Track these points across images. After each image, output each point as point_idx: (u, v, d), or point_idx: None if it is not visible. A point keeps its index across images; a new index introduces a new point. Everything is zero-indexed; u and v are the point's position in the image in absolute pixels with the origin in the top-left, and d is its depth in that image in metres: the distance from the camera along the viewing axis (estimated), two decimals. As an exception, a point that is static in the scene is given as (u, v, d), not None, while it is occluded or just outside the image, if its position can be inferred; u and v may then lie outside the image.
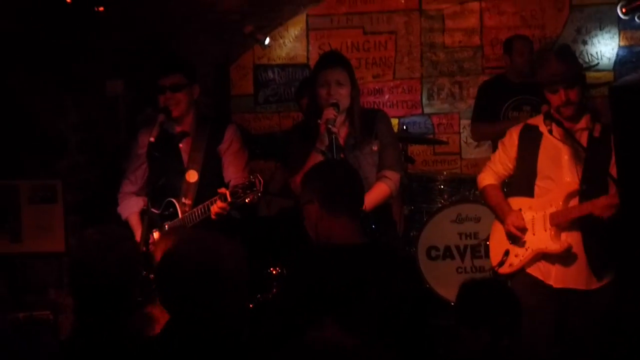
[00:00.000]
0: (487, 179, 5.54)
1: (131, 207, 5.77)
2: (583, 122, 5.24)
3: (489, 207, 5.57)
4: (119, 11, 5.75)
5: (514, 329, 4.06)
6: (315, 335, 2.75)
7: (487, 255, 7.18)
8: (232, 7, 7.57)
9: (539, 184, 5.26)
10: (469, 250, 7.51)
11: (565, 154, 5.19)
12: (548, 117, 5.12)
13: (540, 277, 5.22)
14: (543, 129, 5.27)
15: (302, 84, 7.62)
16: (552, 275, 5.18)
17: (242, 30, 8.37)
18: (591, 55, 8.73)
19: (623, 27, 8.70)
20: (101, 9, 5.44)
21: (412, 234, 7.79)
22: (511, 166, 5.45)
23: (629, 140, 3.46)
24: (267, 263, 6.49)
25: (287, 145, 5.71)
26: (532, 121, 5.47)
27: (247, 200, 5.02)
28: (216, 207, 5.14)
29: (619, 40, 8.73)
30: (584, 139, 5.18)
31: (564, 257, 5.14)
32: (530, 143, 5.33)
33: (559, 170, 5.20)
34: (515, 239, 5.26)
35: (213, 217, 5.19)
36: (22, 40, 6.19)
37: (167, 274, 3.31)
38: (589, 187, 5.09)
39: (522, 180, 5.38)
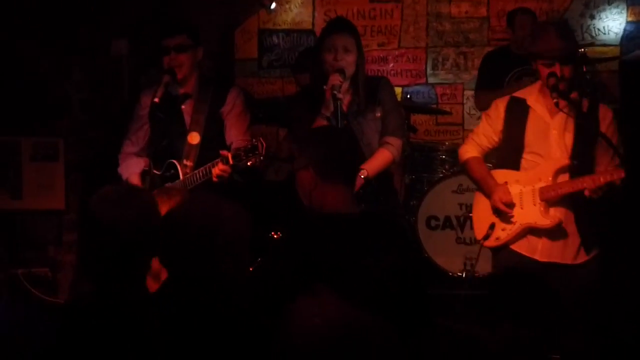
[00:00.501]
0: (470, 151, 5.46)
1: (132, 168, 5.76)
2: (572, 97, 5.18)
3: (473, 180, 5.51)
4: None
5: (538, 321, 4.02)
6: (308, 301, 2.75)
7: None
8: (239, -29, 7.53)
9: (526, 157, 5.21)
10: (468, 220, 7.51)
11: (553, 129, 5.14)
12: (555, 90, 5.06)
13: (525, 253, 5.19)
14: (531, 102, 5.22)
15: (299, 58, 7.55)
16: (538, 250, 5.15)
17: (248, -6, 8.35)
18: (598, 29, 8.72)
19: (632, 2, 8.69)
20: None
21: (412, 203, 7.80)
22: (496, 139, 5.38)
23: (637, 113, 3.46)
24: (270, 227, 6.48)
25: (291, 112, 5.69)
26: (519, 94, 5.40)
27: (248, 164, 4.99)
28: (217, 169, 5.13)
29: (627, 16, 8.72)
30: (572, 113, 5.13)
31: (552, 232, 5.11)
32: (517, 116, 5.27)
33: (546, 145, 5.15)
34: (502, 213, 5.22)
35: (214, 179, 5.18)
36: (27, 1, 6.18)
37: (167, 235, 3.31)
38: (579, 163, 5.06)
39: (508, 154, 5.32)
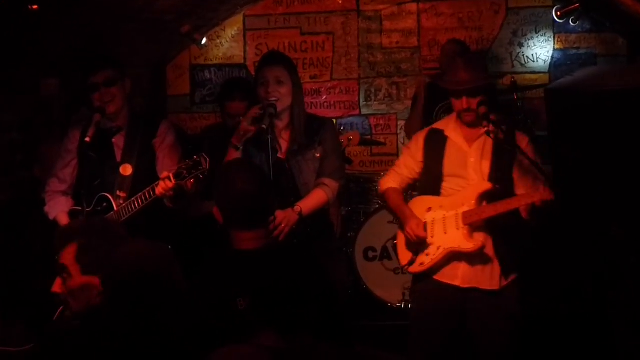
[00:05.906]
0: (389, 182, 5.55)
1: (60, 206, 5.67)
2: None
3: (390, 210, 5.60)
4: (53, 10, 5.66)
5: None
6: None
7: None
8: (169, 7, 7.50)
9: (446, 184, 5.29)
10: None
11: (470, 156, 5.23)
12: (486, 119, 5.12)
13: (446, 280, 5.23)
14: (448, 132, 5.32)
15: (223, 89, 7.26)
16: (459, 276, 5.20)
17: (178, 30, 8.32)
18: (527, 57, 8.84)
19: (558, 30, 8.83)
20: (35, 7, 5.36)
21: (349, 234, 7.81)
22: (417, 170, 5.48)
23: (564, 139, 3.51)
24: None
25: (205, 144, 5.74)
26: (437, 125, 5.52)
27: (191, 181, 4.95)
28: (160, 188, 5.04)
29: (554, 43, 8.85)
30: (489, 141, 5.22)
31: (473, 257, 5.16)
32: (435, 146, 5.36)
33: (465, 172, 5.23)
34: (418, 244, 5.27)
35: (158, 194, 5.09)
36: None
37: (119, 295, 3.37)
38: (501, 187, 5.12)
39: (429, 182, 5.40)
